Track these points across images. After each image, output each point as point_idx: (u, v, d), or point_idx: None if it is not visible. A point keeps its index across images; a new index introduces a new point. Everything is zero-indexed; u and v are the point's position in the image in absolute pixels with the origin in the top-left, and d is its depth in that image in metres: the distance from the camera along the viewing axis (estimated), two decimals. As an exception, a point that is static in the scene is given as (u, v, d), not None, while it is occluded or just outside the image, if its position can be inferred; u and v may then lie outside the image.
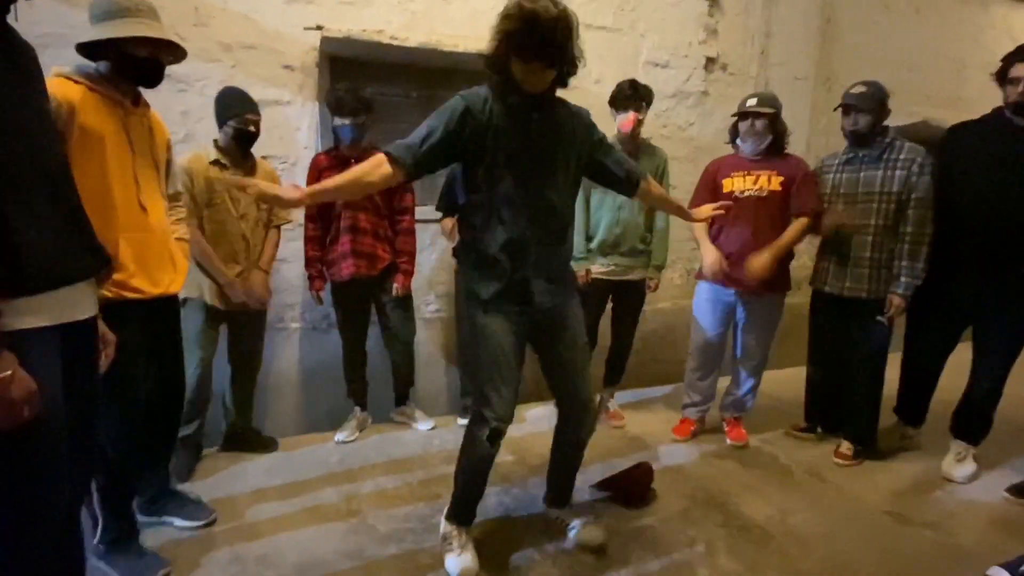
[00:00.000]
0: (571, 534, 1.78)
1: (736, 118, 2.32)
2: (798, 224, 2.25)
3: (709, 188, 2.38)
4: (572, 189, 1.59)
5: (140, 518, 1.70)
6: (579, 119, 1.55)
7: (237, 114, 2.01)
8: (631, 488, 2.03)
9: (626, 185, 1.66)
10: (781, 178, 2.25)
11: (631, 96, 2.33)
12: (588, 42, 2.82)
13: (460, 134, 1.41)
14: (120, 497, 1.58)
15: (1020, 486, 2.07)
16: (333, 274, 2.35)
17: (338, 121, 2.23)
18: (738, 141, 2.35)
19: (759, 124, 2.23)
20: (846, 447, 2.35)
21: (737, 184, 2.30)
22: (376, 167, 1.38)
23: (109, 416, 1.43)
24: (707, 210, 1.78)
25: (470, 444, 1.62)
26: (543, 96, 1.45)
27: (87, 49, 1.41)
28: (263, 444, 2.36)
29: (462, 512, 1.70)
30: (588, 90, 2.90)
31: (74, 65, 1.40)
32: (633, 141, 2.43)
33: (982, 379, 2.16)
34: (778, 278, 2.28)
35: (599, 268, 2.50)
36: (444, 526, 1.71)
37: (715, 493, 2.09)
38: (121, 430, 1.50)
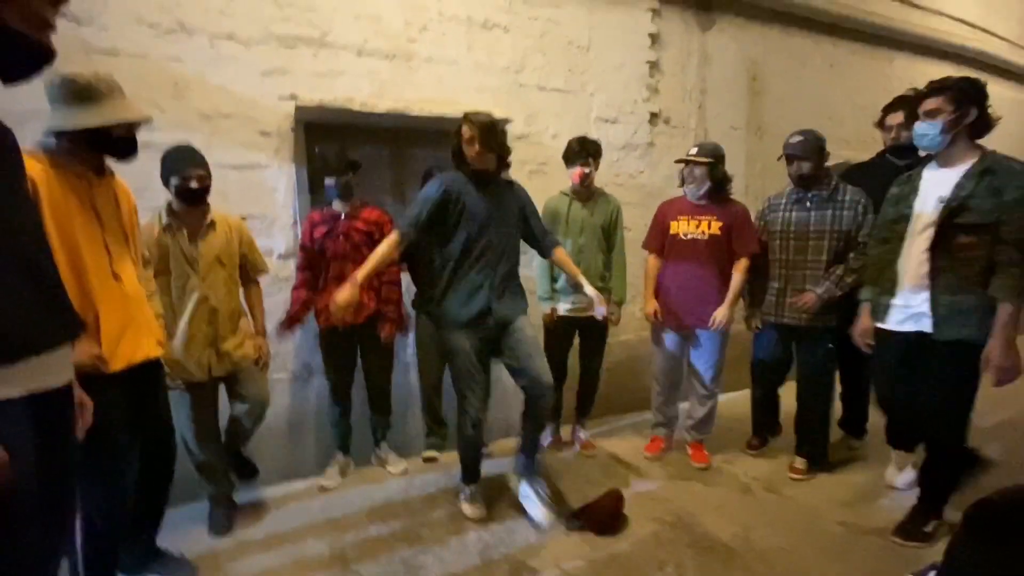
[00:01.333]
0: (531, 512, 2.22)
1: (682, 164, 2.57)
2: (741, 267, 2.50)
3: (660, 228, 2.66)
4: (517, 237, 2.24)
5: (122, 577, 1.70)
6: (517, 191, 2.25)
7: (178, 171, 1.96)
8: (603, 516, 2.13)
9: (542, 245, 2.31)
10: (720, 223, 2.48)
11: (579, 152, 2.60)
12: (546, 102, 3.17)
13: (440, 202, 2.08)
14: (105, 558, 1.58)
15: (904, 526, 2.03)
16: (322, 320, 2.45)
17: (328, 180, 2.40)
18: (684, 188, 2.61)
19: (697, 171, 2.48)
20: (800, 463, 2.53)
21: (682, 227, 2.56)
22: (391, 242, 2.05)
23: (96, 488, 1.45)
24: (597, 301, 2.28)
25: (460, 428, 2.22)
26: (491, 173, 2.13)
27: (56, 131, 1.41)
28: (249, 471, 2.32)
29: (468, 475, 2.31)
30: (547, 144, 3.17)
31: (36, 142, 1.41)
32: (586, 190, 2.68)
33: None
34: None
35: (564, 307, 2.69)
36: (461, 486, 2.33)
37: (682, 515, 2.21)
38: (109, 502, 1.51)
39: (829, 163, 2.46)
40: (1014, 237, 1.68)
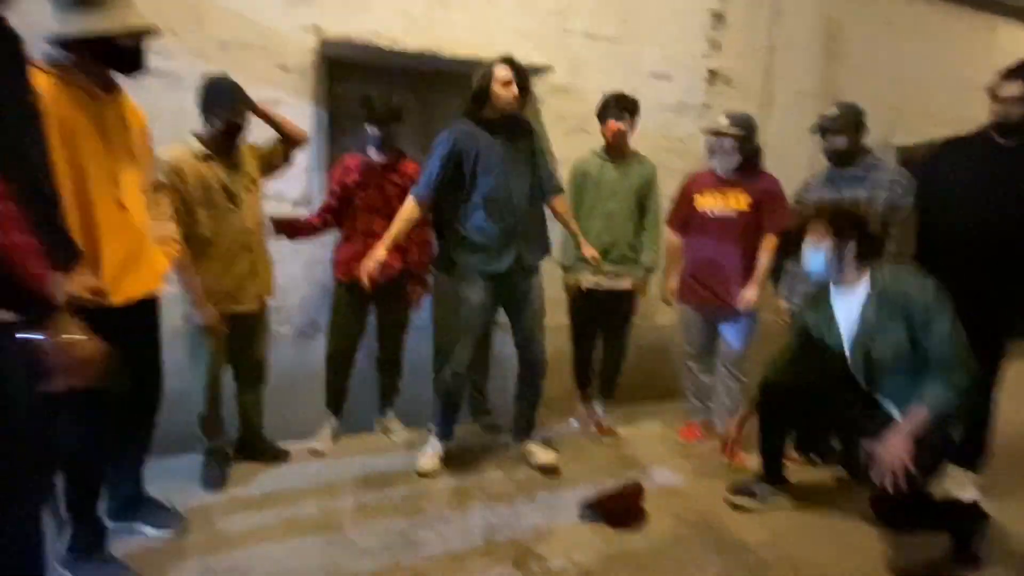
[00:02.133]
0: (531, 460, 2.29)
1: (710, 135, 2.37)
2: (769, 245, 2.31)
3: (685, 203, 2.50)
4: (533, 178, 2.16)
5: (109, 524, 1.65)
6: (533, 130, 2.20)
7: (225, 105, 1.90)
8: (620, 509, 1.96)
9: (544, 186, 2.20)
10: (749, 198, 2.31)
11: (613, 106, 2.44)
12: (593, 51, 2.88)
13: (453, 160, 2.04)
14: (86, 501, 1.52)
15: (741, 487, 2.09)
16: (340, 273, 2.32)
17: (371, 128, 2.23)
18: (713, 160, 2.39)
19: (727, 144, 2.29)
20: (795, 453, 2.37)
21: (707, 202, 2.40)
22: (410, 208, 2.06)
23: (75, 418, 1.39)
24: (590, 251, 2.25)
25: (440, 374, 2.25)
26: (513, 117, 2.08)
27: (58, 39, 1.33)
28: (273, 454, 2.28)
29: (441, 429, 2.28)
30: (591, 100, 2.82)
31: (41, 52, 1.32)
32: (619, 149, 2.49)
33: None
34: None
35: (589, 280, 2.52)
36: (429, 436, 2.31)
37: (707, 514, 2.02)
38: (88, 432, 1.44)
39: (912, 141, 2.15)
40: (936, 355, 1.65)
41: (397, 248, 2.27)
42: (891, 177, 2.16)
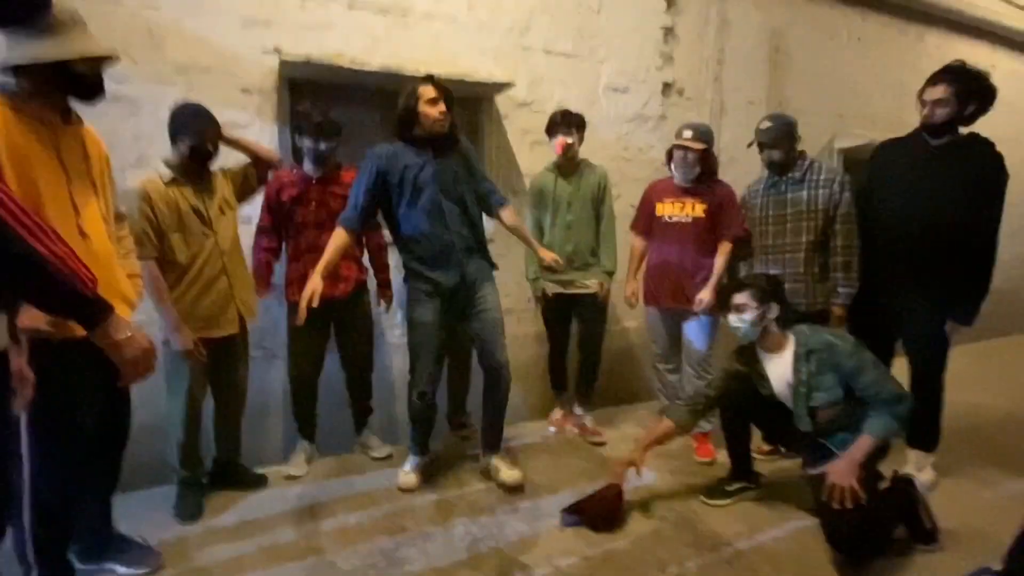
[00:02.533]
0: (496, 476, 2.24)
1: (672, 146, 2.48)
2: (724, 250, 2.43)
3: (647, 210, 2.62)
4: (469, 195, 2.15)
5: (78, 566, 1.58)
6: (463, 148, 2.16)
7: (194, 130, 1.90)
8: (601, 512, 1.99)
9: (489, 201, 2.20)
10: (704, 205, 2.43)
11: (561, 122, 2.55)
12: (551, 66, 2.96)
13: (377, 183, 2.05)
14: (55, 544, 1.46)
15: (714, 488, 2.17)
16: (291, 294, 2.27)
17: (307, 143, 2.19)
18: (672, 166, 2.50)
19: (691, 157, 2.40)
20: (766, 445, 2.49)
21: (667, 209, 2.53)
22: (339, 236, 2.03)
23: (49, 460, 1.34)
24: (549, 255, 2.23)
25: (408, 396, 2.23)
26: (443, 136, 2.06)
27: (11, 65, 1.29)
28: (250, 481, 2.23)
29: (415, 445, 2.30)
30: (551, 114, 2.95)
31: None
32: (570, 162, 2.62)
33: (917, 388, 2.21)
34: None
35: (554, 287, 2.63)
36: (408, 454, 2.33)
37: (685, 512, 2.08)
38: (58, 473, 1.38)
39: (853, 144, 2.29)
40: (872, 394, 1.83)
41: (350, 257, 2.28)
42: (828, 176, 2.31)
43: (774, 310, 1.96)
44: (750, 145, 2.42)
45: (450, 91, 2.05)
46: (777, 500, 2.16)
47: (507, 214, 2.23)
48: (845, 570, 1.74)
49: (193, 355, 1.92)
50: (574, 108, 2.64)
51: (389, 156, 2.05)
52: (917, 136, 2.25)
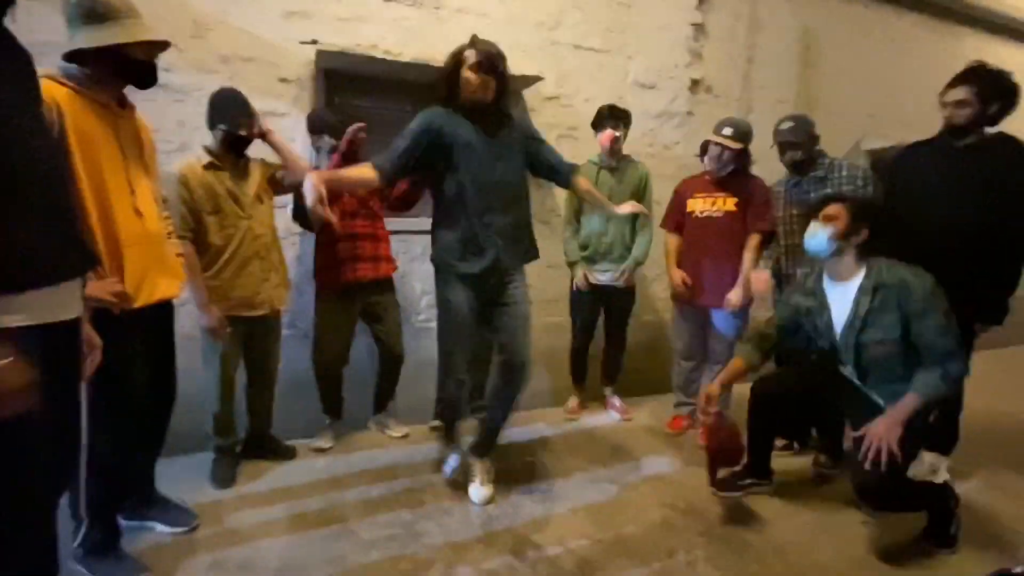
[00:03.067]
0: (470, 483, 2.11)
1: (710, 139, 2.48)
2: (752, 244, 2.42)
3: (678, 207, 2.65)
4: (524, 177, 2.01)
5: (122, 522, 1.70)
6: (519, 123, 2.02)
7: (228, 118, 1.97)
8: (732, 444, 1.98)
9: (561, 175, 2.05)
10: (736, 200, 2.45)
11: (608, 117, 2.61)
12: (580, 62, 2.99)
13: (421, 138, 1.86)
14: (107, 500, 1.57)
15: (726, 482, 2.08)
16: (327, 280, 2.35)
17: (327, 141, 2.27)
18: (705, 159, 2.52)
19: (726, 155, 2.41)
20: (823, 457, 2.40)
21: (698, 205, 2.56)
22: (365, 168, 1.82)
23: (105, 422, 1.44)
24: (628, 207, 2.10)
25: (442, 387, 2.27)
26: (489, 105, 1.88)
27: (73, 52, 1.37)
28: (281, 452, 2.34)
29: (451, 438, 2.27)
30: (579, 108, 3.00)
31: (58, 67, 1.37)
32: (614, 156, 2.65)
33: None
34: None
35: (597, 277, 2.70)
36: (446, 453, 2.29)
37: (696, 502, 2.12)
38: (114, 434, 1.49)
39: (882, 145, 2.27)
40: (928, 342, 1.70)
41: (382, 239, 2.36)
42: (850, 173, 2.32)
43: (862, 234, 1.80)
44: (772, 146, 2.42)
45: (497, 60, 1.84)
46: (787, 495, 2.19)
47: (582, 180, 2.08)
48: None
49: (218, 333, 2.00)
50: (600, 103, 2.68)
51: (439, 114, 1.88)
52: (942, 138, 2.23)
